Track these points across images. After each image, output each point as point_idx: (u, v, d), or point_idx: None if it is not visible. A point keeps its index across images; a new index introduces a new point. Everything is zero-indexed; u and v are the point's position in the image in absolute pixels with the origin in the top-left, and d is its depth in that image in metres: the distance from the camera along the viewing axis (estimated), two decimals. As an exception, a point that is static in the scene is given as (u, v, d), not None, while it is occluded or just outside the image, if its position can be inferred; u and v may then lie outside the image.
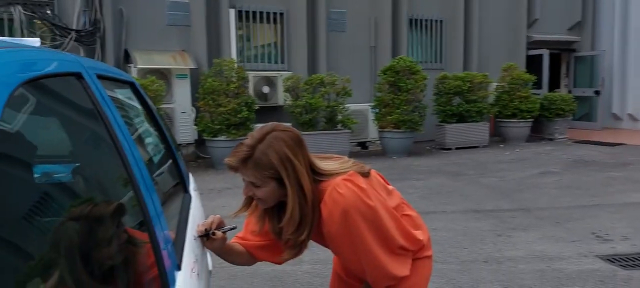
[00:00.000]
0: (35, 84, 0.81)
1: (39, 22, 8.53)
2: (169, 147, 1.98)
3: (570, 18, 14.28)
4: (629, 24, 13.53)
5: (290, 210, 1.60)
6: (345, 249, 1.68)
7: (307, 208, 1.61)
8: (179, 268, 1.26)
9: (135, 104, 1.76)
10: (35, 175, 0.90)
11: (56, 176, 0.95)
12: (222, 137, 8.81)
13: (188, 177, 2.19)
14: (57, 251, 0.84)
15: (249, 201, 1.76)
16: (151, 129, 1.84)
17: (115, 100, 1.33)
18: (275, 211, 1.73)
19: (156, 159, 1.75)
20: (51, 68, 0.89)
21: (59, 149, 0.96)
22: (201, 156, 9.76)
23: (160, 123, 1.95)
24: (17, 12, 8.27)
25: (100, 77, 1.18)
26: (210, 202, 6.35)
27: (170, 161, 1.95)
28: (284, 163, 1.56)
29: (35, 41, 1.20)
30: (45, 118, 0.91)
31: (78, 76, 1.02)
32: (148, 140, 1.73)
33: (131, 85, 1.79)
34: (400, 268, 1.70)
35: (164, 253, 1.11)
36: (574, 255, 4.43)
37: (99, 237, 0.93)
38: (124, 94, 1.60)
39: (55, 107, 0.95)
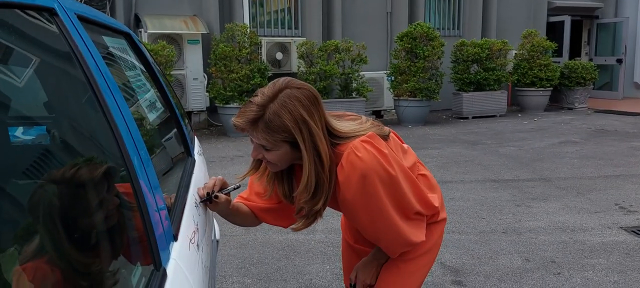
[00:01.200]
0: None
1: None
2: (171, 108, 1.82)
3: (594, -17, 13.75)
4: (657, -11, 12.98)
5: (306, 177, 1.44)
6: (360, 215, 1.54)
7: (324, 174, 1.45)
8: (175, 238, 1.12)
9: (130, 56, 1.60)
10: None
11: (18, 136, 0.79)
12: (235, 104, 8.67)
13: (193, 140, 2.05)
14: (23, 217, 0.70)
15: (258, 164, 1.61)
16: (149, 86, 1.68)
17: (102, 48, 1.17)
18: (285, 174, 1.58)
19: (153, 119, 1.60)
20: (10, -3, 0.74)
21: (21, 105, 0.80)
22: (213, 123, 9.65)
23: (161, 80, 1.80)
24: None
25: (82, 19, 1.03)
26: (222, 170, 6.26)
27: (171, 123, 1.80)
28: (299, 125, 1.39)
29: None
30: (3, 63, 0.75)
31: (50, 11, 0.87)
32: (144, 98, 1.58)
33: (126, 35, 1.63)
34: (416, 233, 1.60)
35: (156, 223, 0.96)
36: (597, 227, 4.26)
37: (73, 202, 0.79)
38: (115, 44, 1.44)
39: (19, 46, 0.79)
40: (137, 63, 1.65)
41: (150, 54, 1.84)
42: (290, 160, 1.49)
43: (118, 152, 0.94)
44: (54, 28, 0.88)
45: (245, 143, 8.16)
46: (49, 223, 0.74)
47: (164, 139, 1.67)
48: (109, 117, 0.93)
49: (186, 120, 2.07)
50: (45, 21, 0.87)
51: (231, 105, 8.69)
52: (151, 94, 1.66)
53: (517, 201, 4.98)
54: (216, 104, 8.92)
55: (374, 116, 10.89)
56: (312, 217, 1.55)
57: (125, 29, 1.65)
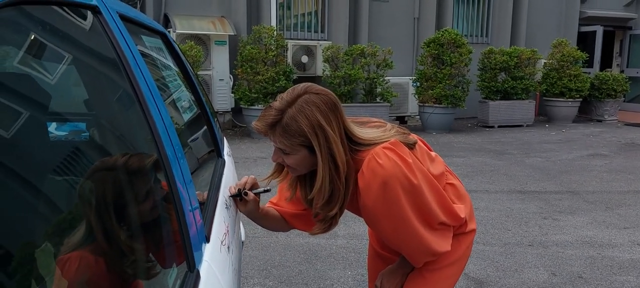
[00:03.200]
0: (33, 9, 0.67)
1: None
2: (203, 108, 1.83)
3: (628, -7, 13.45)
4: (694, 0, 12.61)
5: (320, 182, 1.43)
6: (382, 223, 1.52)
7: (340, 181, 1.44)
8: (207, 240, 1.12)
9: (166, 55, 1.62)
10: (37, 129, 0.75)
11: (62, 133, 0.79)
12: (259, 106, 8.72)
13: (222, 141, 2.06)
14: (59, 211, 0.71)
15: (280, 167, 1.60)
16: (183, 87, 1.70)
17: (141, 47, 1.18)
18: (307, 179, 1.57)
19: (187, 119, 1.61)
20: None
21: (66, 100, 0.81)
22: (238, 124, 9.72)
23: (194, 81, 1.81)
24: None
25: (123, 18, 1.04)
26: (245, 171, 6.29)
27: (203, 123, 1.81)
28: (315, 130, 1.39)
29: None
30: (47, 58, 0.75)
31: (94, 10, 0.88)
32: (179, 97, 1.59)
33: (162, 35, 1.65)
34: (440, 243, 1.57)
35: (190, 223, 0.96)
36: (627, 243, 4.14)
37: (123, 190, 0.80)
38: (152, 43, 1.46)
39: (61, 45, 0.80)
40: (171, 62, 1.66)
41: (183, 54, 1.86)
42: (309, 165, 1.48)
43: (155, 149, 0.95)
44: (97, 25, 0.89)
45: (268, 145, 8.16)
46: (98, 210, 0.75)
47: (196, 139, 1.69)
48: (148, 115, 0.94)
49: (217, 121, 2.08)
50: (88, 18, 0.88)
51: (256, 107, 8.73)
52: (185, 93, 1.68)
53: (543, 213, 4.88)
54: (241, 105, 8.97)
55: (398, 122, 10.82)
56: (327, 222, 1.54)
57: (161, 28, 1.67)
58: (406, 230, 1.49)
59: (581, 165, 7.11)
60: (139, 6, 8.85)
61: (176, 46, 1.76)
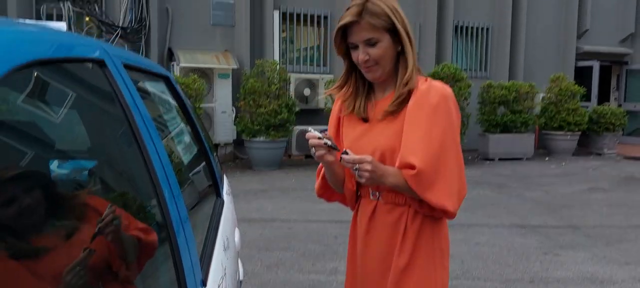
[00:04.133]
0: (48, 67, 0.73)
1: (87, 18, 8.74)
2: (203, 147, 1.88)
3: (623, 30, 13.65)
4: (690, 36, 12.80)
5: (409, 58, 1.60)
6: (415, 131, 1.56)
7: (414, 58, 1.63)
8: (203, 284, 1.15)
9: (169, 99, 1.67)
10: (42, 170, 0.81)
11: (65, 173, 0.85)
12: (261, 138, 8.78)
13: (222, 179, 2.10)
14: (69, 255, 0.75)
15: (347, 77, 1.71)
16: (184, 128, 1.75)
17: (143, 93, 1.24)
18: (364, 94, 1.70)
19: (187, 160, 1.66)
20: (69, 51, 0.80)
21: (72, 145, 0.87)
22: (239, 156, 9.77)
23: (195, 122, 1.86)
24: (66, 8, 8.49)
25: (127, 66, 1.09)
26: (246, 204, 6.31)
27: (203, 162, 1.85)
28: (394, 12, 1.58)
29: (60, 25, 1.13)
30: (58, 107, 0.82)
31: (100, 63, 0.93)
32: (179, 139, 1.64)
33: (165, 79, 1.71)
34: (459, 190, 1.64)
35: (187, 267, 1.00)
36: (628, 279, 4.13)
37: (111, 248, 0.84)
38: (156, 88, 1.52)
39: (70, 96, 0.85)
40: (174, 104, 1.72)
41: (184, 94, 1.92)
42: (391, 56, 1.60)
43: (155, 195, 0.99)
44: (103, 77, 0.94)
45: (269, 177, 8.23)
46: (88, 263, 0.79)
47: (196, 181, 1.73)
48: (149, 163, 0.99)
49: (217, 160, 2.13)
50: (96, 71, 0.93)
51: (258, 139, 8.80)
52: (186, 136, 1.73)
53: (544, 248, 4.87)
54: (243, 137, 9.05)
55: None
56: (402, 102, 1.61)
57: (165, 72, 1.73)
58: (450, 147, 1.58)
59: (581, 199, 7.11)
60: (143, 40, 9.01)
61: (178, 88, 1.82)
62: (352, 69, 1.69)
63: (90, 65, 0.91)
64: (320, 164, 1.74)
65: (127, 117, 0.96)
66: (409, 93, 1.60)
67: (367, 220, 1.70)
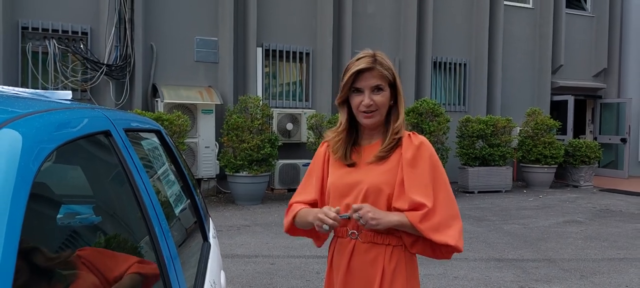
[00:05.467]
0: (66, 146, 0.86)
1: (72, 55, 8.84)
2: (192, 195, 2.01)
3: (596, 65, 14.19)
4: (658, 72, 13.37)
5: (401, 110, 1.82)
6: (420, 177, 1.75)
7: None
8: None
9: (161, 152, 1.81)
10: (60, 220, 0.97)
11: (76, 228, 1.00)
12: (244, 173, 8.88)
13: (208, 223, 2.22)
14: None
15: (347, 123, 1.86)
16: (173, 177, 1.88)
17: (140, 151, 1.37)
18: (351, 141, 1.86)
19: (177, 207, 1.78)
20: (82, 129, 0.94)
21: (84, 203, 1.01)
22: (222, 191, 9.83)
23: (183, 170, 2.00)
24: (52, 46, 8.59)
25: (127, 130, 1.23)
26: (229, 240, 6.37)
27: (191, 209, 1.98)
28: (393, 70, 1.80)
29: (66, 94, 1.26)
30: (74, 173, 0.96)
31: (107, 134, 1.07)
32: (170, 189, 1.77)
33: (157, 132, 1.85)
34: (460, 229, 1.79)
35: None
36: (600, 312, 4.28)
37: None
38: (150, 144, 1.66)
39: (84, 164, 1.00)
40: (165, 156, 1.86)
41: (173, 142, 2.05)
42: (386, 108, 1.80)
43: (149, 237, 1.12)
44: (108, 145, 1.08)
45: (252, 212, 8.30)
46: None
47: (185, 226, 1.85)
48: (144, 212, 1.12)
49: (204, 204, 2.26)
50: (103, 140, 1.08)
51: (241, 174, 8.89)
52: (176, 185, 1.86)
53: (521, 282, 5.02)
54: (226, 172, 9.13)
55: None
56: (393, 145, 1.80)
57: (157, 127, 1.87)
58: (445, 188, 1.78)
59: (557, 232, 7.32)
60: (128, 77, 9.12)
61: (169, 140, 1.96)
62: (349, 117, 1.84)
63: (100, 136, 1.06)
64: (292, 202, 1.92)
65: (128, 179, 1.09)
66: (398, 141, 1.78)
67: (346, 259, 1.79)
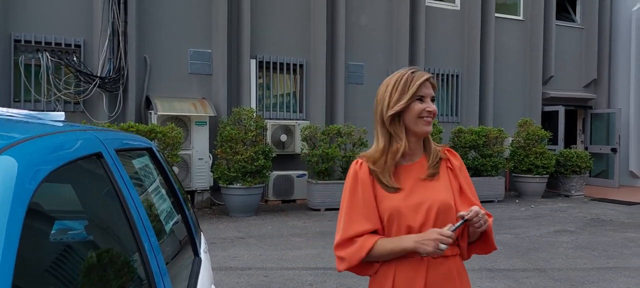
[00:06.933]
0: (59, 170, 0.90)
1: (65, 68, 8.87)
2: (182, 209, 2.05)
3: (586, 76, 14.35)
4: (647, 82, 13.53)
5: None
6: (471, 189, 1.88)
7: None
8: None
9: (152, 169, 1.85)
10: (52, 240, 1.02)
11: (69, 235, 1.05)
12: (238, 185, 8.90)
13: (199, 238, 2.25)
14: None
15: (388, 145, 1.85)
16: (164, 193, 1.92)
17: (130, 170, 1.42)
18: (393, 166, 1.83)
19: (167, 223, 1.82)
20: (74, 152, 0.99)
21: (75, 222, 1.06)
22: (216, 202, 9.84)
23: (174, 185, 2.04)
24: (45, 58, 8.62)
25: (119, 150, 1.27)
26: (222, 252, 6.38)
27: (181, 224, 2.02)
28: None
29: (59, 116, 1.30)
30: (67, 194, 1.01)
31: (98, 155, 1.11)
32: (161, 205, 1.81)
33: (149, 150, 1.89)
34: None
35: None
36: (589, 321, 4.32)
37: None
38: (140, 162, 1.70)
39: (76, 185, 1.04)
40: (156, 172, 1.90)
41: (166, 162, 2.09)
42: None
43: (138, 254, 1.16)
44: (100, 166, 1.13)
45: (246, 224, 8.32)
46: None
47: (175, 242, 1.89)
48: (134, 229, 1.16)
49: (195, 218, 2.29)
50: (95, 162, 1.12)
51: (234, 186, 8.91)
52: (167, 202, 1.90)
53: (511, 292, 5.06)
54: (220, 184, 9.14)
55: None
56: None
57: (148, 144, 1.91)
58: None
59: (548, 241, 7.37)
60: (121, 89, 9.15)
61: (160, 156, 2.00)
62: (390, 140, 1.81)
63: (92, 158, 1.10)
64: (352, 235, 1.75)
65: (119, 199, 1.14)
66: (438, 154, 1.86)
67: (422, 279, 1.74)
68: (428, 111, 1.77)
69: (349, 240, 1.76)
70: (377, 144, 1.83)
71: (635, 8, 13.84)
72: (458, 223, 1.69)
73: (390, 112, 1.77)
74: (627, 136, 13.94)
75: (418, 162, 1.83)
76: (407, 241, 1.69)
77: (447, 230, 1.66)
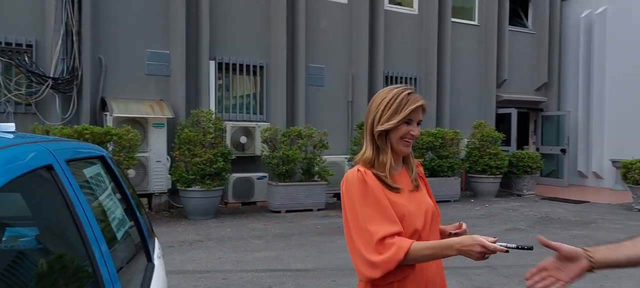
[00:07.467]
0: (10, 183, 0.93)
1: (16, 68, 8.59)
2: (135, 215, 2.06)
3: (537, 79, 14.93)
4: (592, 87, 14.20)
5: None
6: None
7: None
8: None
9: (104, 177, 1.86)
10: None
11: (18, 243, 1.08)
12: (196, 187, 8.83)
13: (153, 244, 2.27)
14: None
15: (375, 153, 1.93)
16: (117, 200, 1.93)
17: (81, 179, 1.44)
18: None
19: (119, 231, 1.84)
20: (25, 165, 1.01)
21: (26, 229, 1.08)
22: (174, 205, 9.73)
23: (126, 192, 2.05)
24: (-5, 58, 8.33)
25: (70, 160, 1.29)
26: (180, 256, 6.34)
27: (134, 230, 2.03)
28: None
29: (9, 127, 1.31)
30: (17, 205, 1.03)
31: (48, 167, 1.14)
32: (113, 213, 1.83)
33: (101, 158, 1.90)
34: None
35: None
36: (536, 316, 4.53)
37: None
38: (92, 171, 1.71)
39: (26, 197, 1.06)
40: (108, 182, 1.91)
41: (118, 169, 2.10)
42: None
43: (92, 272, 1.19)
44: (51, 179, 1.15)
45: (204, 226, 8.27)
46: None
47: (127, 248, 1.90)
48: (82, 231, 1.19)
49: (149, 224, 2.30)
50: (44, 175, 1.15)
51: (193, 188, 8.84)
52: (119, 209, 1.91)
53: (463, 289, 5.25)
54: (178, 187, 9.05)
55: (336, 198, 11.18)
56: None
57: (100, 152, 1.92)
58: None
59: (501, 239, 7.62)
60: (75, 91, 8.93)
61: (112, 163, 2.01)
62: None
63: (42, 171, 1.13)
64: (382, 236, 1.71)
65: (67, 204, 1.16)
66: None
67: (434, 268, 1.91)
68: (411, 135, 1.87)
69: (380, 244, 1.71)
70: (365, 150, 1.90)
71: (583, 15, 14.49)
72: (504, 246, 1.73)
73: (380, 128, 1.85)
74: (576, 137, 14.59)
75: (401, 173, 1.92)
76: (448, 249, 1.71)
77: (495, 244, 1.71)
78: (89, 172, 1.66)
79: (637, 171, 10.40)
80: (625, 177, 10.76)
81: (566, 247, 1.61)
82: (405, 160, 1.96)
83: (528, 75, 14.84)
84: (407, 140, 1.87)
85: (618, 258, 1.52)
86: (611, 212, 10.37)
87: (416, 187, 1.92)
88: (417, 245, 1.72)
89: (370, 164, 1.86)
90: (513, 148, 13.64)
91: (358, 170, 1.83)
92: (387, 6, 12.41)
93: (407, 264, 1.73)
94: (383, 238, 1.70)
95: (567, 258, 1.59)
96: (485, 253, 1.68)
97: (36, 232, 1.14)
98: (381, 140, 1.87)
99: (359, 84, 11.90)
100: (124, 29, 9.52)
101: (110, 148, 7.85)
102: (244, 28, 10.74)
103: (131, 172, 8.78)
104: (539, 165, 12.78)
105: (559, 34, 15.03)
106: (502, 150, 12.35)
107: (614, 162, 12.90)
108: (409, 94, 1.88)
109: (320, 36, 11.58)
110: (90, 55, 9.05)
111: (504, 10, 13.95)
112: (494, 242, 1.71)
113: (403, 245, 1.69)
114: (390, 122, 1.83)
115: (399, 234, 1.74)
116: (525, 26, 15.12)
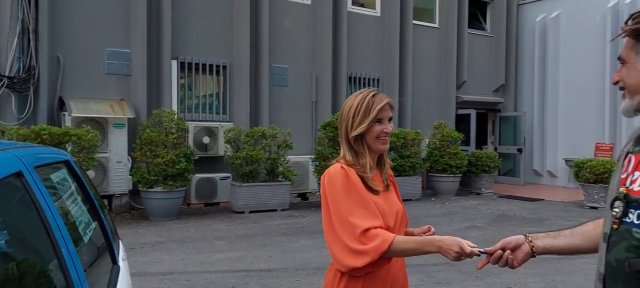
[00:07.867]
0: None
1: (-31, 66, 8.29)
2: (99, 217, 2.08)
3: (495, 81, 15.40)
4: (546, 88, 14.77)
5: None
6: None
7: None
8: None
9: (69, 180, 1.88)
10: None
11: None
12: (159, 188, 8.74)
13: (118, 245, 2.28)
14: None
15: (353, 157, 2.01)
16: (82, 204, 1.95)
17: (49, 184, 1.46)
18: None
19: (86, 234, 1.86)
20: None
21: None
22: (136, 207, 9.58)
23: (90, 195, 2.06)
24: (-54, 56, 8.01)
25: (38, 166, 1.32)
26: (142, 258, 6.28)
27: (99, 232, 2.05)
28: None
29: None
30: None
31: (18, 174, 1.17)
32: (79, 216, 1.84)
33: (66, 163, 1.92)
34: None
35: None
36: (491, 310, 4.73)
37: None
38: (58, 176, 1.73)
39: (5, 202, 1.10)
40: (73, 186, 1.92)
41: (82, 172, 2.11)
42: None
43: (63, 274, 1.23)
44: (21, 185, 1.18)
45: (167, 228, 8.19)
46: None
47: (93, 251, 1.92)
48: (56, 246, 1.23)
49: (113, 226, 2.32)
50: (14, 181, 1.17)
51: (155, 189, 8.74)
52: (85, 213, 1.93)
53: (424, 285, 5.41)
54: (139, 188, 8.93)
55: (300, 198, 11.26)
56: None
57: (65, 156, 1.93)
58: None
59: (460, 236, 7.84)
60: (31, 90, 8.68)
61: (76, 167, 2.02)
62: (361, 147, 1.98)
63: (12, 178, 1.15)
64: (368, 226, 1.78)
65: (37, 209, 1.19)
66: None
67: (398, 266, 2.01)
68: (385, 132, 1.97)
69: (363, 235, 1.78)
70: (343, 155, 1.99)
71: (538, 19, 15.04)
72: (481, 250, 1.87)
73: (354, 133, 1.94)
74: (532, 137, 15.13)
75: (375, 175, 2.01)
76: (430, 245, 1.83)
77: (471, 248, 1.85)
78: (56, 177, 1.68)
79: (588, 170, 10.89)
80: (577, 176, 11.25)
81: (510, 239, 1.83)
82: (379, 161, 2.06)
83: (486, 77, 15.29)
84: (382, 138, 1.97)
85: (558, 244, 1.71)
86: (564, 209, 10.83)
87: (387, 187, 2.03)
88: (400, 238, 1.81)
89: (353, 164, 1.95)
90: (472, 148, 14.04)
91: (341, 166, 1.91)
92: (350, 8, 12.56)
93: (387, 257, 1.79)
94: (366, 230, 1.78)
95: (514, 248, 1.81)
96: (461, 254, 1.81)
97: (5, 235, 1.16)
98: (358, 144, 1.97)
99: (322, 84, 12.01)
100: (83, 27, 9.32)
101: (69, 149, 7.68)
102: (207, 27, 10.67)
103: (91, 173, 8.60)
104: (497, 165, 13.20)
105: (516, 37, 15.54)
106: (462, 150, 12.70)
107: (567, 161, 13.46)
108: (373, 95, 1.98)
109: (284, 36, 11.62)
110: (48, 54, 8.82)
111: (463, 14, 14.33)
112: (475, 248, 1.85)
113: (387, 237, 1.77)
114: (362, 126, 1.93)
115: (380, 228, 1.82)
116: (483, 29, 15.57)
